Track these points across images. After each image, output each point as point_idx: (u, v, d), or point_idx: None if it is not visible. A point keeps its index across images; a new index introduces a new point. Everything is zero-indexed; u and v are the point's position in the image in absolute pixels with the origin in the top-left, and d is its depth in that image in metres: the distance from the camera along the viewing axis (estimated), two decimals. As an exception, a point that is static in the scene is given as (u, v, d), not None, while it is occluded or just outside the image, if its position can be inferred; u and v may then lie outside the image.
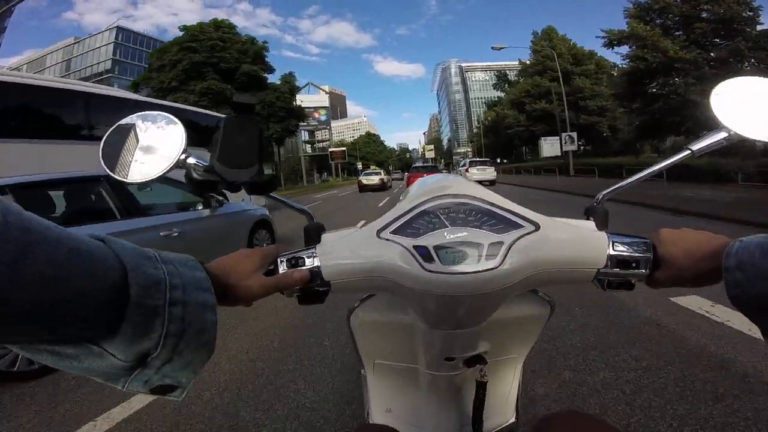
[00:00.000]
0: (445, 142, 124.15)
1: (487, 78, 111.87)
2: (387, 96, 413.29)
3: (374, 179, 21.21)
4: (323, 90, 55.54)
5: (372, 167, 34.35)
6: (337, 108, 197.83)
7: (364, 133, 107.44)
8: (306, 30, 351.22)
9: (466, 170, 18.69)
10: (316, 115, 53.52)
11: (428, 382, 0.60)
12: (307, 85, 56.05)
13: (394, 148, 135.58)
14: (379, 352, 0.65)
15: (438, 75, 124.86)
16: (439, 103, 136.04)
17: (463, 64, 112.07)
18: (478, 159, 25.37)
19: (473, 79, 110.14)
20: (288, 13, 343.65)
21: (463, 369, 0.55)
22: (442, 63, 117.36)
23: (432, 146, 78.43)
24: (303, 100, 51.83)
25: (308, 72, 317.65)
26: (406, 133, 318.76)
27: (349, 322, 0.63)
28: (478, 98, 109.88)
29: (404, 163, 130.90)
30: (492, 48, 23.03)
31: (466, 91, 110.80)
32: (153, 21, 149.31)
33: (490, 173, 18.90)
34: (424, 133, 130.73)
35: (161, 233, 3.06)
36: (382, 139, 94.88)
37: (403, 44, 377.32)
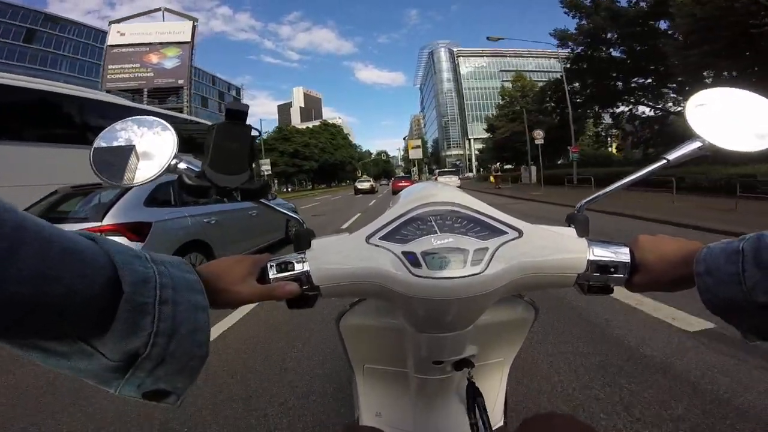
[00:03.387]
0: (429, 144, 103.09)
1: (484, 64, 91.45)
2: (367, 103, 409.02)
3: (366, 185, 31.04)
4: (189, 18, 30.55)
5: (364, 176, 43.47)
6: (311, 110, 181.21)
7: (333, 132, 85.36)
8: (287, 36, 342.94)
9: (436, 178, 25.62)
10: (153, 59, 27.85)
11: (417, 386, 0.62)
12: (157, 10, 31.48)
13: (369, 151, 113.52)
14: (369, 356, 0.67)
15: (423, 62, 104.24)
16: (422, 99, 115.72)
17: (455, 49, 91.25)
18: (446, 170, 35.59)
19: (467, 65, 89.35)
20: (269, 19, 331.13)
21: (451, 372, 0.57)
22: (428, 46, 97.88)
23: (419, 142, 55.87)
24: (123, 30, 27.70)
25: (288, 78, 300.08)
26: (385, 140, 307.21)
27: (339, 326, 0.64)
28: (472, 89, 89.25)
29: (381, 169, 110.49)
30: (488, 38, 21.35)
31: (458, 80, 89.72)
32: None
33: (454, 181, 24.17)
34: (404, 138, 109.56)
35: (249, 212, 4.94)
36: (345, 132, 71.12)
37: (384, 52, 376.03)
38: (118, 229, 3.03)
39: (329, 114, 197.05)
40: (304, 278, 0.49)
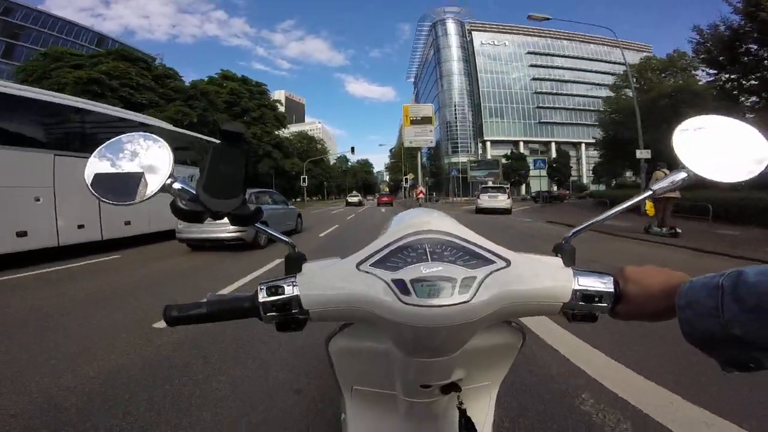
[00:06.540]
0: (424, 152, 77.82)
1: (506, 42, 67.03)
2: (356, 117, 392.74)
3: (355, 199, 39.50)
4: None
5: (354, 192, 48.24)
6: (293, 115, 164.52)
7: (319, 141, 56.88)
8: (279, 44, 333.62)
9: (478, 197, 20.39)
10: None
11: (406, 409, 0.63)
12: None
13: (344, 156, 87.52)
14: (358, 378, 0.68)
15: (420, 44, 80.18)
16: (416, 96, 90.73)
17: (467, 21, 67.32)
18: (490, 186, 24.23)
19: (482, 43, 65.17)
20: (262, 26, 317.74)
21: (439, 396, 0.58)
22: (428, 17, 73.37)
23: (428, 109, 28.80)
24: None
25: (277, 86, 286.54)
26: (372, 156, 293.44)
27: (328, 348, 0.65)
28: (491, 72, 64.63)
29: (360, 181, 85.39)
30: (529, 17, 17.14)
31: (469, 61, 65.23)
32: (123, 22, 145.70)
33: (502, 202, 19.15)
34: (391, 150, 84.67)
35: (281, 210, 10.44)
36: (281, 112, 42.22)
37: (376, 67, 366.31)
38: None
39: (315, 123, 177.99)
40: (293, 302, 0.50)
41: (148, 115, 11.76)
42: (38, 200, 6.68)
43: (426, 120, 27.26)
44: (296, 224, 11.30)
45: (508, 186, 27.73)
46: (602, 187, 50.11)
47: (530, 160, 54.21)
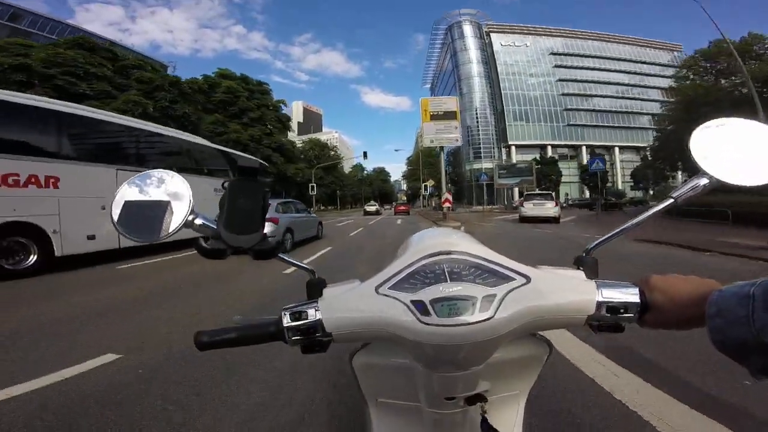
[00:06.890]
0: (444, 158, 74.47)
1: (528, 43, 63.69)
2: (372, 127, 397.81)
3: (372, 208, 38.90)
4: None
5: (371, 201, 48.52)
6: (311, 125, 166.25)
7: (334, 150, 54.83)
8: (297, 57, 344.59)
9: (520, 204, 19.12)
10: None
11: (431, 421, 0.62)
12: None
13: (360, 165, 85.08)
14: (382, 391, 0.68)
15: (436, 48, 77.35)
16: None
17: (484, 22, 64.21)
18: (535, 192, 21.68)
19: (502, 45, 61.95)
20: (280, 39, 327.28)
21: (464, 406, 0.57)
22: (444, 20, 70.38)
23: (451, 103, 24.52)
24: None
25: (296, 98, 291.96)
26: (388, 165, 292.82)
27: (352, 363, 0.66)
28: (512, 75, 61.21)
29: (377, 189, 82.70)
30: None
31: (488, 63, 62.07)
32: (148, 37, 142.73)
33: (549, 209, 17.15)
34: (408, 158, 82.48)
35: (304, 219, 10.95)
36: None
37: (390, 77, 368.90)
38: (273, 219, 8.38)
39: (332, 133, 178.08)
40: (317, 326, 0.52)
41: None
42: (104, 209, 7.39)
43: (450, 115, 22.72)
44: (317, 231, 12.15)
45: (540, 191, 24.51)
46: (639, 194, 45.59)
47: (562, 165, 50.55)
